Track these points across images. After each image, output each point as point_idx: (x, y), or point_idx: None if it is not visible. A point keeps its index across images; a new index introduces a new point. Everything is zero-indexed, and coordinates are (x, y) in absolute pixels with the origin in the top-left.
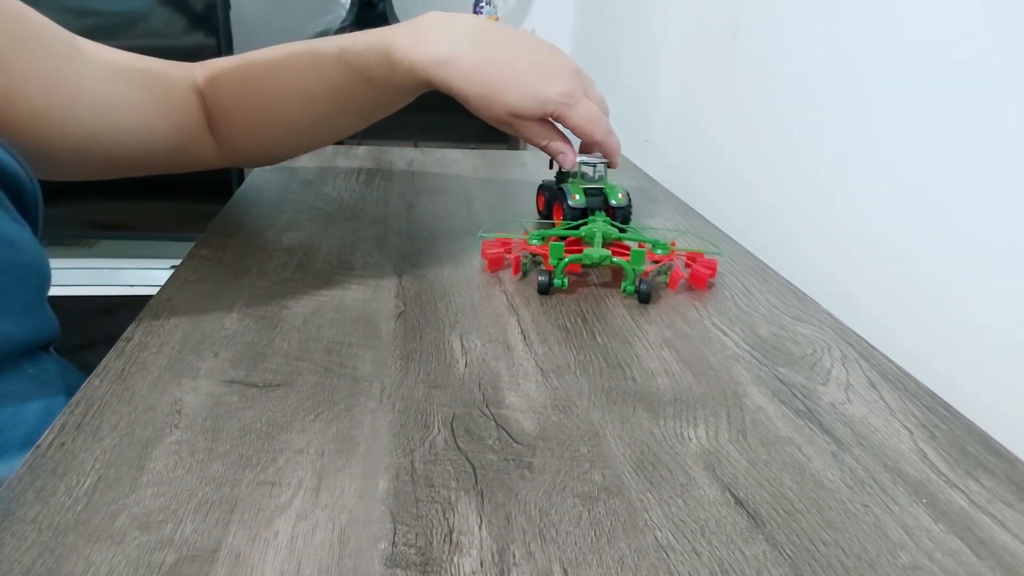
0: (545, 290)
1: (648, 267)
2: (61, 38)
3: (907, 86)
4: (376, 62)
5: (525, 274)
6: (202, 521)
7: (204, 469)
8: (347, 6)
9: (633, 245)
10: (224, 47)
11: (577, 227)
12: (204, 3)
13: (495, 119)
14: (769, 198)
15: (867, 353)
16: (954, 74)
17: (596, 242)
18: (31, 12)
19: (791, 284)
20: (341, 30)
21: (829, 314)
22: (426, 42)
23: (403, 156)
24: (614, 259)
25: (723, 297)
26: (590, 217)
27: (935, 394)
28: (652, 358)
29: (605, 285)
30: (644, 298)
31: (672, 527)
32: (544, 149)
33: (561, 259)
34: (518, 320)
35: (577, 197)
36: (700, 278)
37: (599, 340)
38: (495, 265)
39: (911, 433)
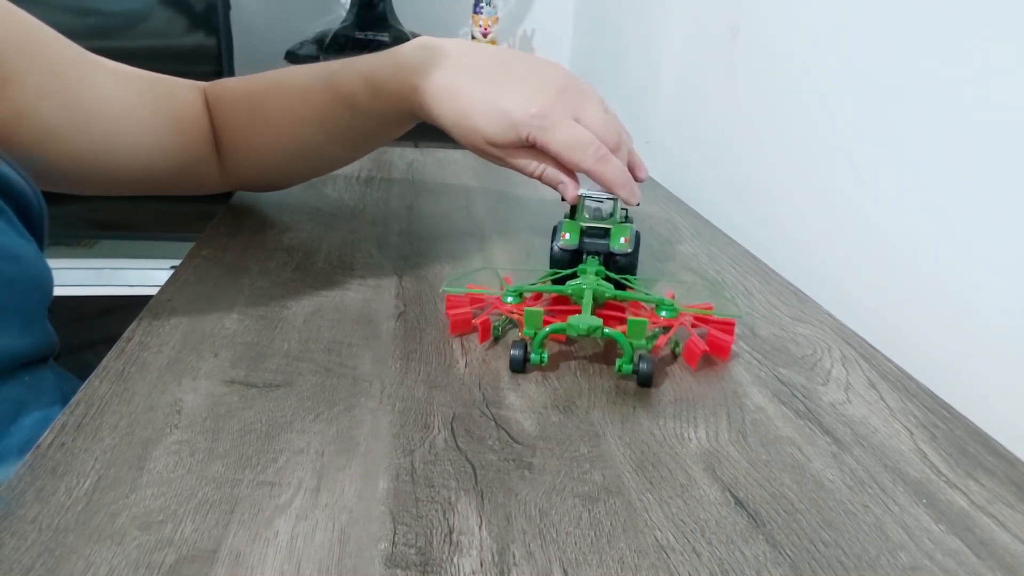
0: (519, 367)
1: (659, 338)
2: (75, 57)
3: (908, 85)
4: (359, 89)
5: (496, 340)
6: (202, 521)
7: (204, 469)
8: (347, 6)
9: (634, 307)
10: (224, 47)
11: (563, 279)
12: (204, 3)
13: (477, 150)
14: (770, 198)
15: (867, 353)
16: (957, 72)
17: (585, 305)
18: (47, 31)
19: (791, 284)
20: (341, 30)
21: (829, 314)
22: (407, 69)
23: (403, 157)
24: (606, 331)
25: (723, 298)
26: (581, 265)
27: (935, 394)
28: None
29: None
30: (644, 380)
31: (672, 527)
32: (540, 180)
33: (538, 330)
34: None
35: (567, 236)
36: (722, 348)
37: (599, 340)
38: (459, 328)
39: (911, 433)
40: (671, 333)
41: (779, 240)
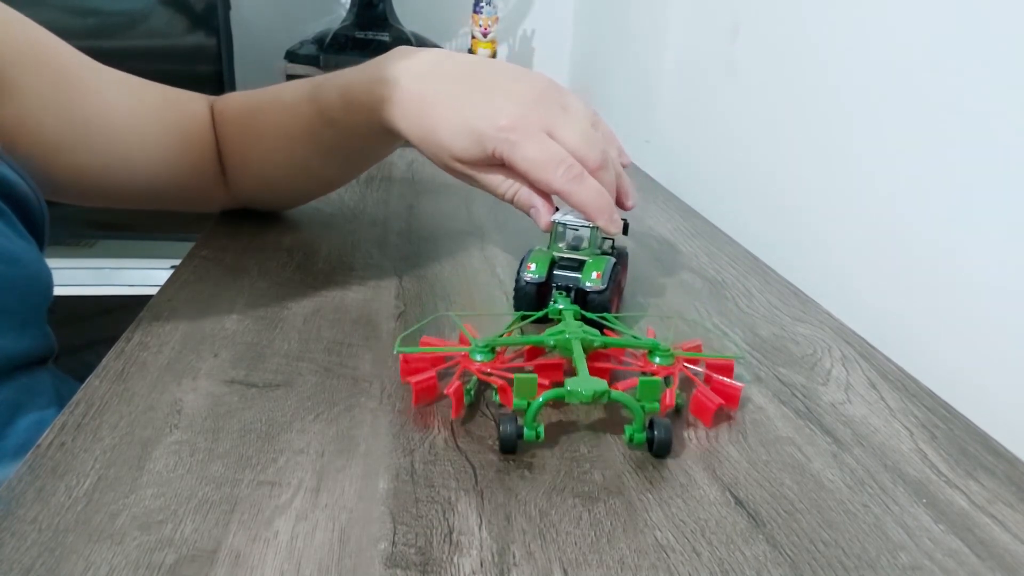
0: (511, 447)
1: (665, 394)
2: (81, 68)
3: (908, 85)
4: (336, 102)
5: (470, 406)
6: (202, 521)
7: (204, 469)
8: (347, 6)
9: (617, 354)
10: (224, 47)
11: (530, 318)
12: (204, 3)
13: (446, 167)
14: (769, 197)
15: (867, 353)
16: (957, 70)
17: (578, 361)
18: (53, 40)
19: (792, 284)
20: (341, 30)
21: (829, 314)
22: (377, 80)
23: (403, 156)
24: (614, 395)
25: (723, 297)
26: (551, 305)
27: (935, 394)
28: None
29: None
30: (662, 451)
31: (672, 527)
32: (513, 203)
33: (532, 400)
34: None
35: (533, 268)
36: (731, 397)
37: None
38: (424, 398)
39: (911, 433)
40: (675, 385)
41: (779, 239)
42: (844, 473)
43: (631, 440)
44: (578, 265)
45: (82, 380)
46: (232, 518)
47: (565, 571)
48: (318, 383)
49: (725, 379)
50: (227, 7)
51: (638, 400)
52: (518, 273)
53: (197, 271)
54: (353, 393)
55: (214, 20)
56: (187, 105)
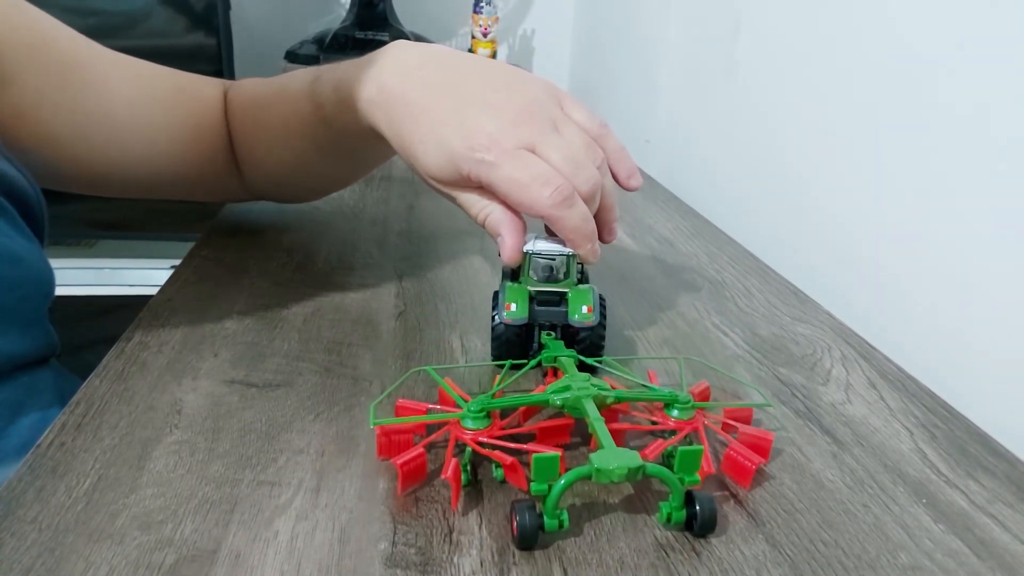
0: (530, 542)
1: (703, 465)
2: (83, 57)
3: (907, 87)
4: (329, 100)
5: (468, 485)
6: (202, 521)
7: (204, 469)
8: (347, 6)
9: (644, 411)
10: (224, 47)
11: (521, 368)
12: (204, 3)
13: (425, 182)
14: (769, 197)
15: (867, 353)
16: (956, 72)
17: (599, 428)
18: (56, 28)
19: (792, 284)
20: (341, 30)
21: (829, 314)
22: (365, 78)
23: None
24: (650, 469)
25: (723, 297)
26: (543, 352)
27: (935, 394)
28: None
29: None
30: (706, 529)
31: (672, 527)
32: (483, 226)
33: (552, 483)
34: None
35: (513, 308)
36: (763, 450)
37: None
38: (413, 480)
39: (911, 433)
40: (707, 447)
41: (779, 239)
42: (844, 473)
43: (668, 520)
44: (559, 299)
45: (83, 379)
46: (232, 518)
47: (565, 571)
48: (318, 383)
49: (753, 430)
50: (227, 7)
51: (678, 471)
52: (493, 314)
53: (197, 271)
54: (353, 393)
55: (214, 20)
56: (199, 94)
